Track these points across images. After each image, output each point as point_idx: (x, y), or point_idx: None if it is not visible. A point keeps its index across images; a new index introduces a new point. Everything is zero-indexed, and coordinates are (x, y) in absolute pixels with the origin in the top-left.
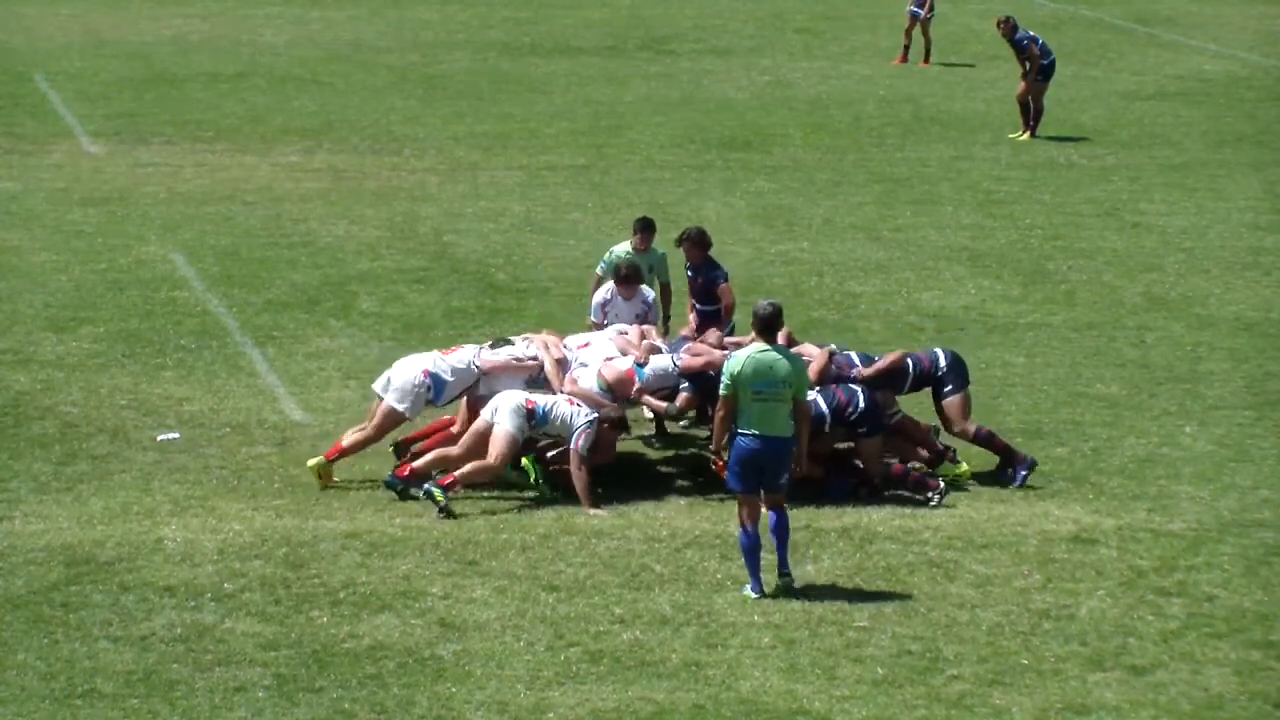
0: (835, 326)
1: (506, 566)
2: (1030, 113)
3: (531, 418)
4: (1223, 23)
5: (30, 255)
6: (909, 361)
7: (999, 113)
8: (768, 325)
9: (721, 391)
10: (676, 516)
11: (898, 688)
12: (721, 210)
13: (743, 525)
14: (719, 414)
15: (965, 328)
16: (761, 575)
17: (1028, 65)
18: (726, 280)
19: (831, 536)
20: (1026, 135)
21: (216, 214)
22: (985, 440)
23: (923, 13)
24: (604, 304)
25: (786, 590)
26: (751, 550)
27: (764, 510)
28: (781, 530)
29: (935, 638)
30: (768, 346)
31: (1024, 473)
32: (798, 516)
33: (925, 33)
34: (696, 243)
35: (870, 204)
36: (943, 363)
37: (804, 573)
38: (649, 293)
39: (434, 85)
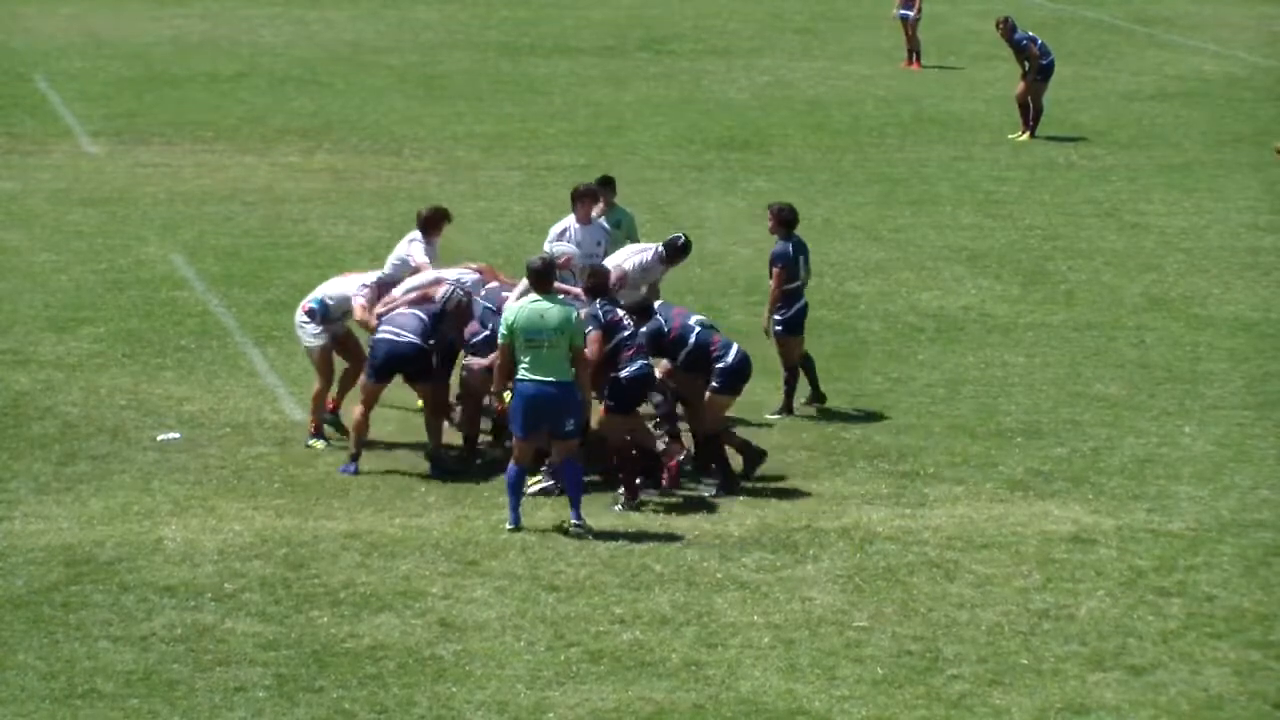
0: (835, 326)
1: (506, 566)
2: (1029, 113)
3: (313, 317)
4: (1222, 23)
5: (30, 255)
6: (694, 335)
7: (998, 113)
8: (540, 276)
9: (499, 340)
10: (676, 516)
11: (897, 688)
12: (721, 210)
13: (514, 460)
14: (498, 361)
15: (965, 328)
16: (521, 510)
17: (1026, 65)
18: (781, 262)
19: (831, 536)
20: (1026, 135)
21: (216, 214)
22: (703, 445)
23: (912, 14)
24: (562, 232)
25: (577, 537)
26: (515, 485)
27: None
28: (573, 478)
29: (935, 638)
30: (540, 297)
31: (712, 491)
32: (798, 516)
33: (914, 35)
34: (777, 218)
35: (870, 204)
36: (731, 358)
37: (804, 572)
38: (606, 224)
39: (433, 85)
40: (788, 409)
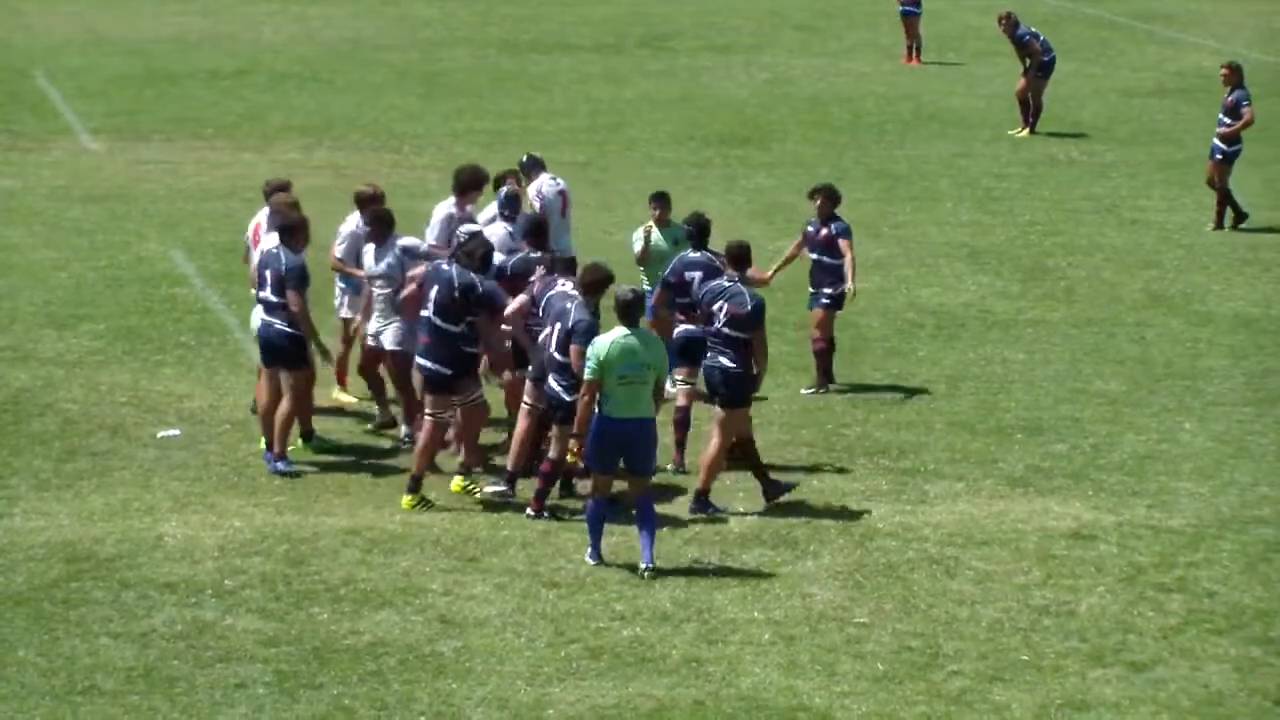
0: (834, 323)
1: (507, 563)
2: (1030, 109)
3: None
4: (1222, 19)
5: (30, 252)
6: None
7: (998, 109)
8: (628, 310)
9: (586, 376)
10: (676, 513)
11: (898, 684)
12: (721, 207)
13: (593, 495)
14: (584, 397)
15: (966, 325)
16: (603, 545)
17: (1028, 62)
18: (850, 235)
19: (832, 533)
20: (1026, 132)
21: (216, 211)
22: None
23: (918, 10)
24: (490, 219)
25: (647, 579)
26: (596, 519)
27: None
28: (648, 520)
29: (935, 634)
30: (629, 330)
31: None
32: (798, 513)
33: (917, 31)
34: (830, 196)
35: (870, 201)
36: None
37: (804, 569)
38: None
39: (434, 82)
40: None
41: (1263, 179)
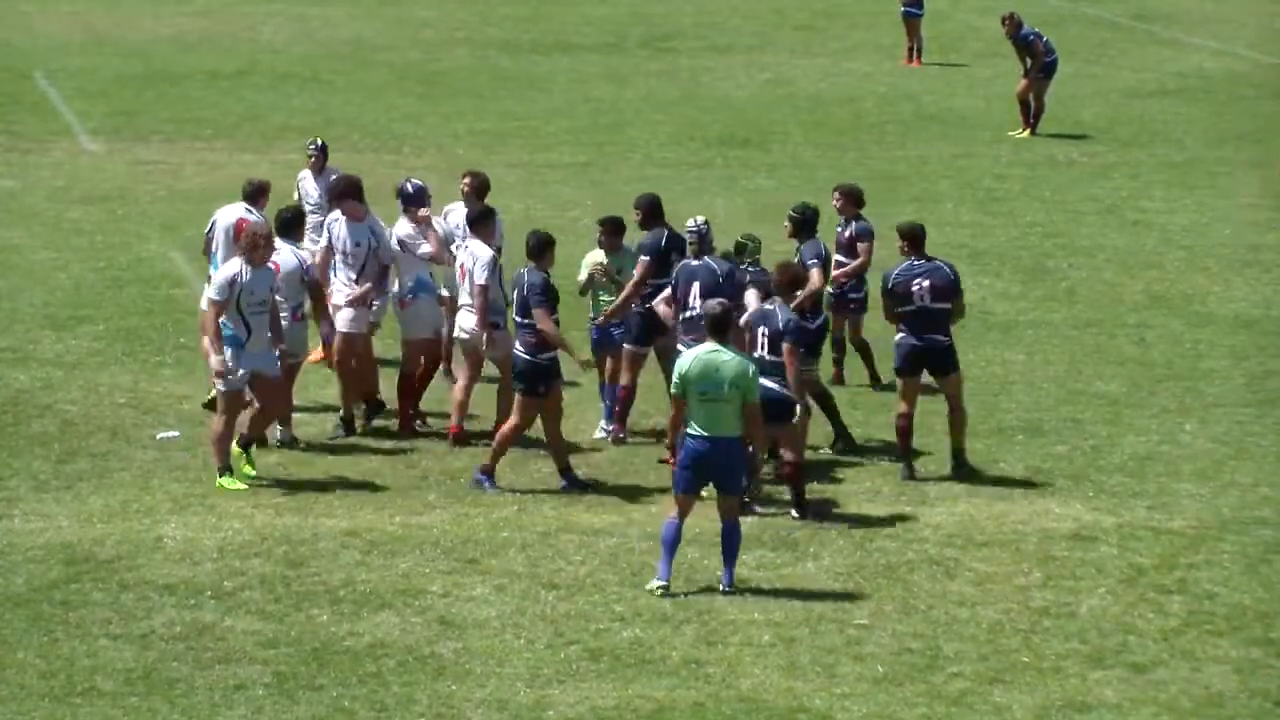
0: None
1: (506, 564)
2: (1030, 110)
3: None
4: (1223, 20)
5: (30, 253)
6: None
7: (999, 110)
8: (718, 325)
9: (671, 391)
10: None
11: (898, 685)
12: (722, 208)
13: (670, 516)
14: (672, 414)
15: (966, 326)
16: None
17: (1029, 62)
18: (871, 237)
19: (831, 534)
20: (1027, 133)
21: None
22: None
23: (920, 11)
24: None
25: (728, 594)
26: (671, 542)
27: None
28: (731, 542)
29: (935, 635)
30: (718, 347)
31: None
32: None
33: (918, 32)
34: (847, 196)
35: (870, 201)
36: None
37: (804, 570)
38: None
39: (434, 83)
40: (840, 379)
41: (1263, 180)
